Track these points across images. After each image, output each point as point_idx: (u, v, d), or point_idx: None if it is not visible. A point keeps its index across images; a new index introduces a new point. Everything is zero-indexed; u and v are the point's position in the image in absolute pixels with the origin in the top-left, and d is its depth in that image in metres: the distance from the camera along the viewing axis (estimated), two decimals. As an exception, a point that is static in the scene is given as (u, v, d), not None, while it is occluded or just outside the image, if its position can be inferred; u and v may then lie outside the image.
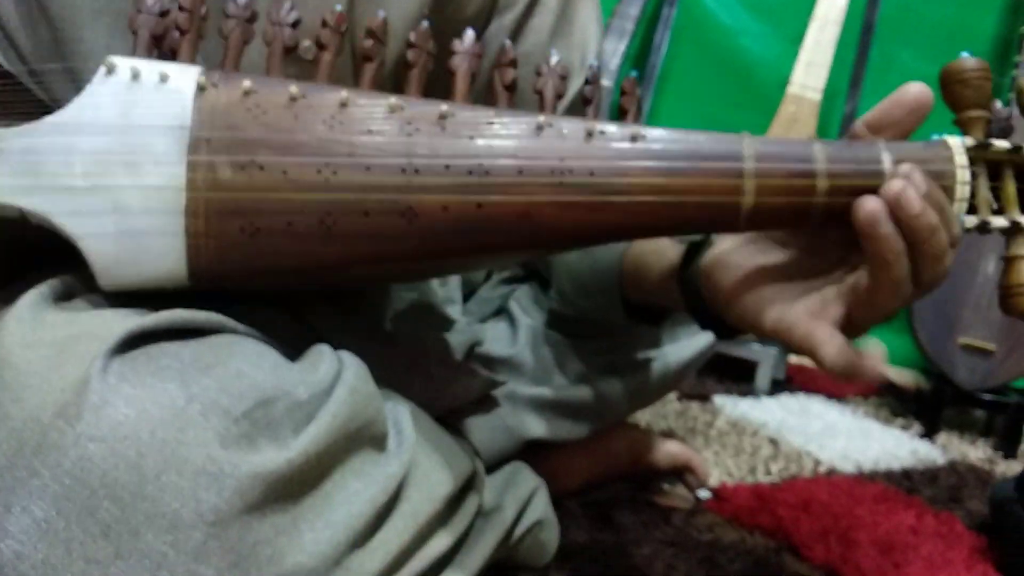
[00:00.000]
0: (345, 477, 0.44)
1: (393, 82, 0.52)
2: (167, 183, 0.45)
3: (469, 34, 0.50)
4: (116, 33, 0.55)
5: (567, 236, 0.49)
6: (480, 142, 0.47)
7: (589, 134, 0.47)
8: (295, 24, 0.49)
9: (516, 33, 0.71)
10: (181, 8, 0.48)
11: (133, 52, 0.47)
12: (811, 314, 0.48)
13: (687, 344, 0.87)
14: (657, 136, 0.48)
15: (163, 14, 0.48)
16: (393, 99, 0.47)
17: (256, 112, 0.46)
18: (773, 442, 1.19)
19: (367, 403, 0.47)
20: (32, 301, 0.44)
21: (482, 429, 0.73)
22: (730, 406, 1.35)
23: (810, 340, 0.47)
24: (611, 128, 0.48)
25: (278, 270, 0.48)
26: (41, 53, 0.58)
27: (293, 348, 0.51)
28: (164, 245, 0.46)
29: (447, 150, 0.47)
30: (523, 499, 0.69)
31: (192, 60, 0.48)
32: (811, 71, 1.64)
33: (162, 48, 0.48)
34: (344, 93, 0.47)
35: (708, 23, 1.86)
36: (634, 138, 0.47)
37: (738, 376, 1.51)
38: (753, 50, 1.85)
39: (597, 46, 0.76)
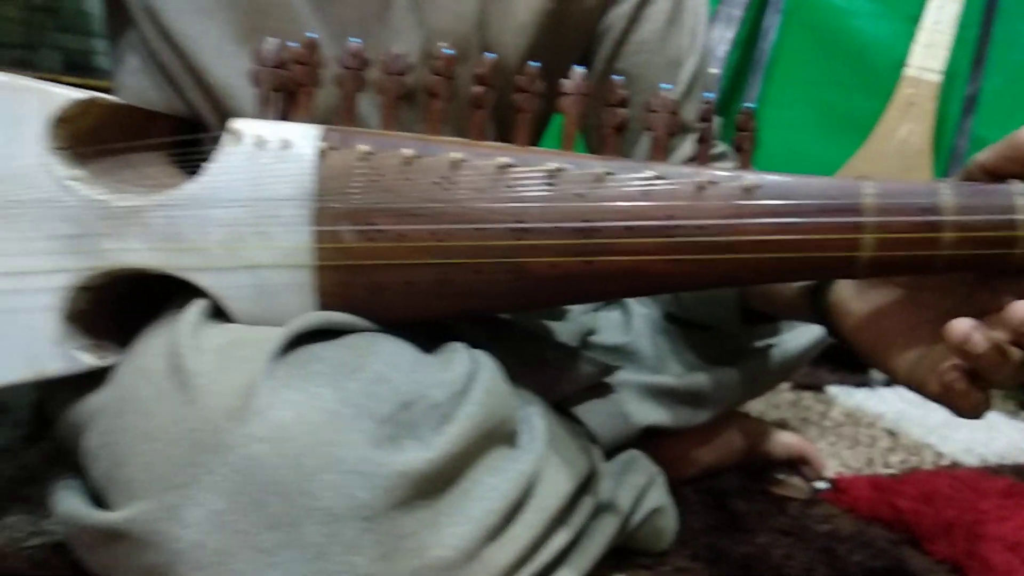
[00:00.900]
0: (481, 474, 0.44)
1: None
2: (296, 246, 0.45)
3: (577, 72, 0.46)
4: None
5: (676, 286, 0.45)
6: (589, 200, 0.43)
7: (700, 188, 0.43)
8: (405, 71, 0.46)
9: (633, 21, 0.68)
10: (298, 62, 0.46)
11: (257, 107, 0.46)
12: (941, 372, 0.43)
13: (804, 331, 0.80)
14: (771, 188, 0.43)
15: (281, 66, 0.46)
16: (502, 158, 0.44)
17: (373, 175, 0.44)
18: (891, 434, 1.10)
19: (502, 402, 0.46)
20: (195, 314, 0.45)
21: (599, 415, 0.70)
22: (844, 396, 1.26)
23: (945, 399, 0.42)
24: (723, 181, 0.43)
25: (401, 320, 0.47)
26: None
27: (417, 336, 0.50)
28: (296, 300, 0.46)
29: (556, 211, 0.43)
30: (640, 487, 0.66)
31: (309, 112, 0.47)
32: (930, 52, 1.49)
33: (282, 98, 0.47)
34: (456, 153, 0.44)
35: (818, 4, 1.71)
36: (747, 191, 0.42)
37: (853, 365, 1.41)
38: (866, 31, 1.69)
39: (705, 27, 0.72)
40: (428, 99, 0.46)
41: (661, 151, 0.45)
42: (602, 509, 0.57)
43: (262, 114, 0.46)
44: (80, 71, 2.16)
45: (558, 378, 0.64)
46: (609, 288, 0.45)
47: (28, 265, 0.45)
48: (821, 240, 0.42)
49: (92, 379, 0.47)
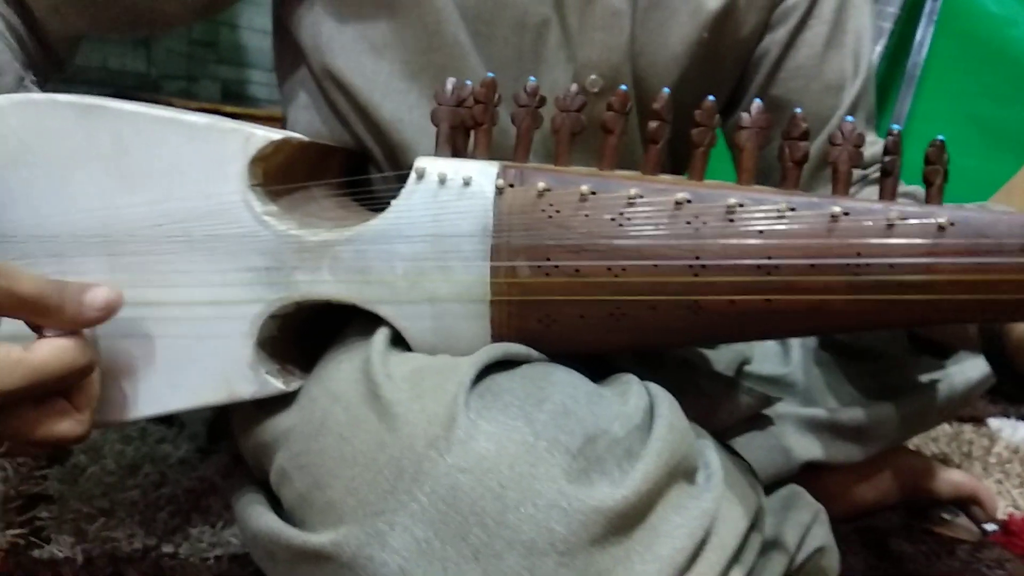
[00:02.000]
0: (667, 511, 0.43)
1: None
2: (474, 279, 0.45)
3: (756, 104, 0.45)
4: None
5: (860, 326, 0.43)
6: (770, 237, 0.42)
7: (890, 224, 0.41)
8: (581, 108, 0.46)
9: (789, 46, 0.67)
10: (476, 100, 0.47)
11: (435, 144, 0.48)
12: None
13: (972, 365, 0.75)
14: (966, 225, 0.40)
15: (459, 104, 0.47)
16: (680, 193, 0.43)
17: (550, 211, 0.45)
18: (1062, 472, 1.02)
19: (683, 438, 0.45)
20: (381, 342, 0.47)
21: (758, 449, 0.67)
22: (1009, 430, 1.17)
23: None
24: (914, 217, 0.41)
25: (571, 352, 0.48)
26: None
27: (577, 364, 0.49)
28: (472, 332, 0.47)
29: (735, 248, 0.42)
30: (804, 525, 0.63)
31: (487, 149, 0.48)
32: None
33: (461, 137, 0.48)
34: (633, 189, 0.44)
35: (974, 14, 1.61)
36: (940, 228, 0.40)
37: (1015, 396, 1.30)
38: (1026, 39, 1.59)
39: (871, 51, 0.69)
40: (602, 135, 0.46)
41: (844, 186, 0.44)
42: (769, 547, 0.55)
43: (440, 151, 0.47)
44: (237, 100, 2.31)
45: (715, 409, 0.63)
46: (789, 327, 0.44)
47: (227, 295, 0.47)
48: (1022, 281, 0.39)
49: (275, 400, 0.50)
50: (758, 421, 0.67)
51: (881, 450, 0.75)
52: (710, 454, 0.46)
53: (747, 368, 0.72)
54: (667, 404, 0.45)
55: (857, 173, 0.69)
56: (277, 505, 0.52)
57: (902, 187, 0.66)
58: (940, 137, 0.43)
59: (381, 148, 0.62)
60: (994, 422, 1.20)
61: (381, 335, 0.47)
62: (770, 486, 0.67)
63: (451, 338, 0.47)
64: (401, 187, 0.47)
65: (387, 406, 0.42)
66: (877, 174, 0.66)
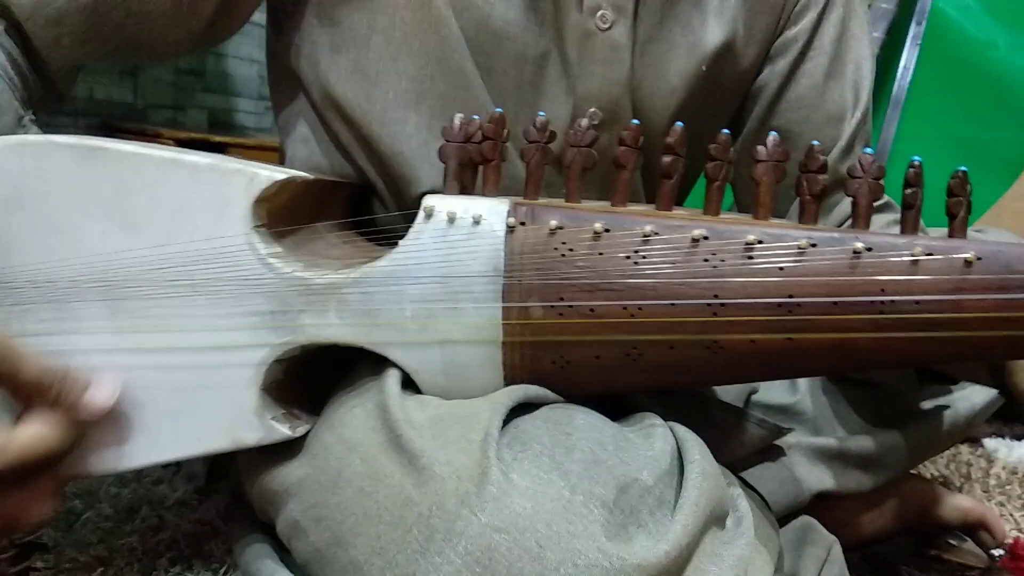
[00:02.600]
0: (703, 561, 0.41)
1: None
2: (486, 321, 0.44)
3: (773, 138, 0.44)
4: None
5: (884, 364, 0.42)
6: (789, 274, 0.41)
7: (914, 261, 0.40)
8: (593, 143, 0.45)
9: (789, 78, 0.66)
10: (485, 136, 0.46)
11: (443, 181, 0.46)
12: None
13: (978, 390, 0.74)
14: (994, 259, 0.39)
15: (467, 140, 0.46)
16: (696, 230, 0.42)
17: (563, 250, 0.43)
18: (1063, 492, 1.01)
19: (717, 484, 0.43)
20: (394, 385, 0.45)
21: (771, 481, 0.66)
22: (1004, 450, 1.16)
23: None
24: (940, 252, 0.40)
25: (587, 393, 0.46)
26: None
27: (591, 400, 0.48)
28: (484, 375, 0.45)
29: (755, 286, 0.41)
30: (820, 559, 0.61)
31: (497, 185, 0.46)
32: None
33: (470, 174, 0.47)
34: (648, 227, 0.42)
35: (956, 38, 1.63)
36: (968, 263, 0.39)
37: (1008, 416, 1.30)
38: (1007, 63, 1.60)
39: (870, 82, 0.68)
40: (615, 170, 0.45)
41: (865, 220, 0.43)
42: None
43: (448, 189, 0.46)
44: (223, 128, 2.29)
45: (726, 441, 0.61)
46: (812, 365, 0.43)
47: (231, 340, 0.46)
48: (1053, 316, 0.38)
49: (282, 445, 0.48)
50: (769, 452, 0.65)
51: (890, 478, 0.74)
52: (738, 496, 0.44)
53: (754, 397, 0.70)
54: (697, 448, 0.43)
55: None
56: (282, 551, 0.50)
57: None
58: (963, 168, 0.42)
59: (383, 180, 0.60)
60: (990, 442, 1.20)
61: (392, 378, 0.45)
62: (782, 517, 0.65)
63: (462, 380, 0.45)
64: (408, 224, 0.45)
65: (412, 457, 0.40)
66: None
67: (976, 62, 1.61)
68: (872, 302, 0.40)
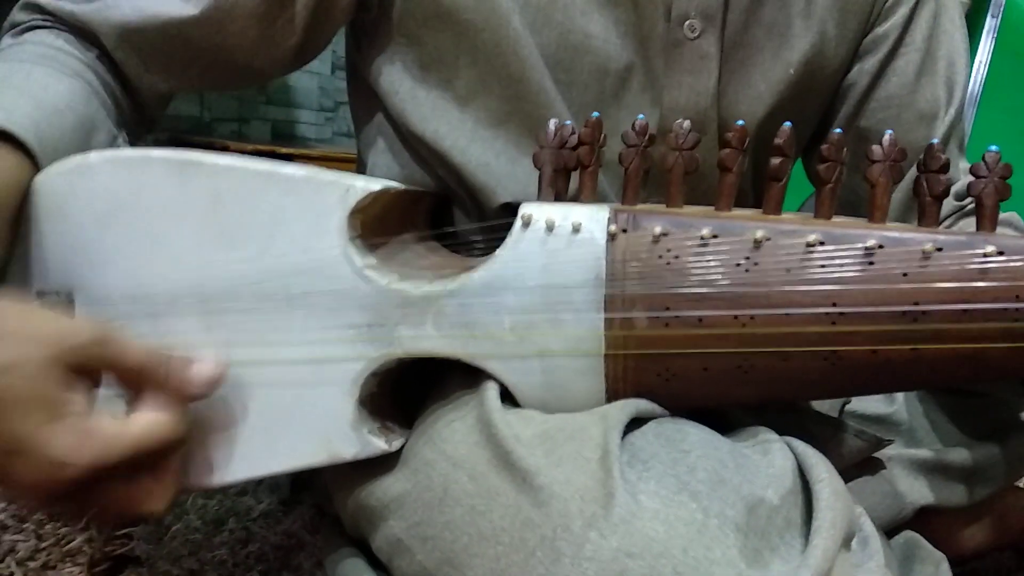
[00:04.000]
0: None
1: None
2: (587, 333, 0.42)
3: (888, 137, 0.41)
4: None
5: (1017, 373, 0.39)
6: (913, 280, 0.38)
7: (1054, 263, 0.37)
8: (695, 146, 0.43)
9: (879, 76, 0.63)
10: (581, 142, 0.44)
11: (539, 188, 0.45)
12: None
13: None
14: None
15: (562, 146, 0.45)
16: (812, 235, 0.40)
17: (667, 257, 0.41)
18: None
19: (846, 504, 0.41)
20: (495, 398, 0.44)
21: (872, 495, 0.63)
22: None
23: None
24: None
25: (693, 407, 0.44)
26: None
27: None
28: (585, 388, 0.43)
29: (876, 294, 0.39)
30: None
31: (594, 192, 0.45)
32: None
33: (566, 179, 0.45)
34: (759, 231, 0.40)
35: (1032, 29, 1.56)
36: (1113, 265, 0.36)
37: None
38: (1090, 54, 1.53)
39: (965, 78, 0.64)
40: (720, 174, 0.43)
41: (992, 221, 0.40)
42: None
43: (544, 196, 0.45)
44: (286, 140, 2.32)
45: (825, 454, 0.58)
46: (939, 377, 0.40)
47: (328, 353, 0.45)
48: None
49: (377, 460, 0.47)
50: (868, 465, 0.62)
51: (990, 491, 0.70)
52: (862, 515, 0.42)
53: (850, 408, 0.67)
54: (824, 466, 0.41)
55: (952, 204, 0.65)
56: (376, 567, 0.49)
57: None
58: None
59: (463, 190, 0.59)
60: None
61: (492, 391, 0.44)
62: (885, 533, 0.62)
63: (563, 394, 0.43)
64: (496, 234, 0.44)
65: (526, 475, 0.39)
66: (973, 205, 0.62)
67: (1055, 54, 1.54)
68: (1005, 309, 0.37)
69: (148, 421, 0.38)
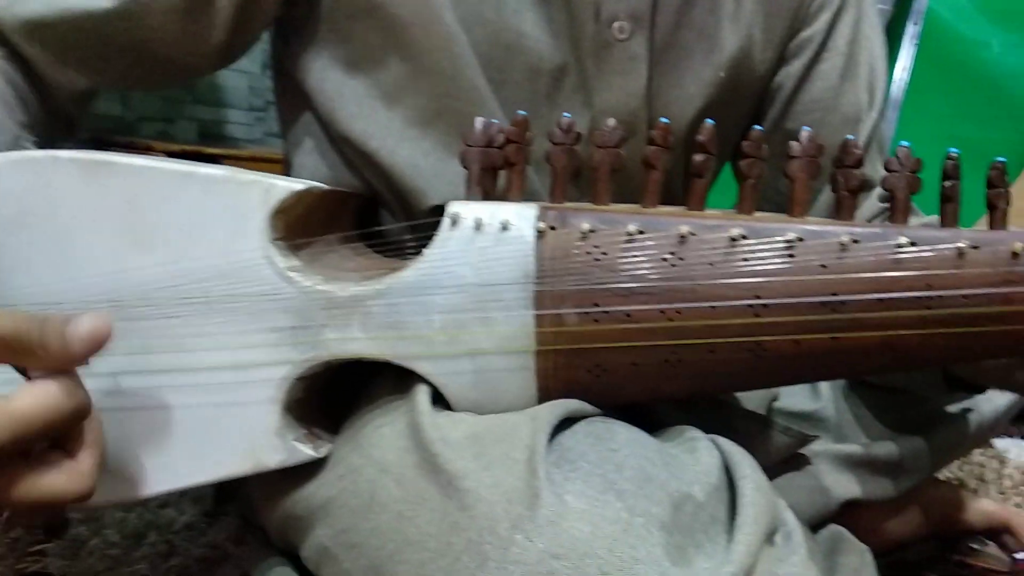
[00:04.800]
0: None
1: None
2: (518, 330, 0.42)
3: (805, 134, 0.42)
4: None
5: (931, 361, 0.41)
6: (832, 271, 0.40)
7: (960, 253, 0.38)
8: (620, 144, 0.44)
9: (804, 79, 0.65)
10: (508, 140, 0.44)
11: (466, 187, 0.45)
12: None
13: (998, 393, 0.73)
14: (1045, 249, 0.38)
15: (489, 144, 0.45)
16: (734, 229, 0.41)
17: (596, 254, 0.42)
18: (1080, 491, 1.00)
19: (769, 499, 0.42)
20: (425, 402, 0.43)
21: (799, 490, 0.64)
22: (1015, 450, 1.14)
23: None
24: (986, 244, 0.39)
25: (623, 402, 0.45)
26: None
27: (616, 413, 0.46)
28: (517, 386, 0.43)
29: (797, 285, 0.40)
30: (854, 570, 0.60)
31: (522, 191, 0.45)
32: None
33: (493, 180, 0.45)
34: (684, 227, 0.41)
35: (949, 38, 1.63)
36: (1015, 255, 0.38)
37: (1016, 415, 1.28)
38: (1000, 62, 1.61)
39: (884, 82, 0.67)
40: (645, 171, 0.44)
41: (903, 215, 0.41)
42: None
43: (471, 195, 0.45)
44: (214, 140, 2.27)
45: (752, 450, 0.60)
46: (857, 365, 0.41)
47: (250, 358, 0.44)
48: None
49: (303, 467, 0.46)
50: (795, 461, 0.64)
51: (914, 484, 0.72)
52: (784, 510, 0.43)
53: (777, 404, 0.69)
54: (747, 462, 0.42)
55: (877, 206, 0.67)
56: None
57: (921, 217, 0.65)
58: (1002, 159, 0.41)
59: (392, 193, 0.59)
60: (1000, 443, 1.18)
61: (423, 394, 0.43)
62: (809, 527, 0.64)
63: (495, 393, 0.43)
64: (425, 235, 0.44)
65: (452, 479, 0.38)
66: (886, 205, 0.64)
67: (971, 62, 1.62)
68: (919, 298, 0.39)
69: (34, 393, 0.34)
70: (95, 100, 0.58)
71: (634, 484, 0.38)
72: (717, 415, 0.60)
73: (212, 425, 0.44)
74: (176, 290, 0.44)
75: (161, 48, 0.53)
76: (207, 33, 0.54)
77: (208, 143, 2.13)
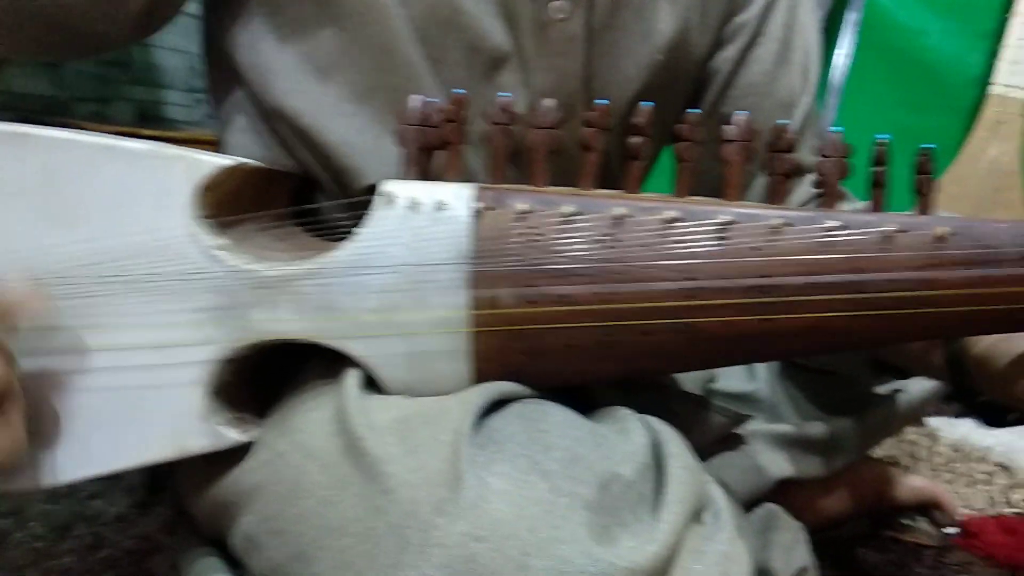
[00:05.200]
0: (687, 560, 0.39)
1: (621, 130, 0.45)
2: (452, 313, 0.42)
3: (740, 117, 0.43)
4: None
5: (860, 343, 0.42)
6: (764, 254, 0.40)
7: (887, 237, 0.39)
8: (557, 124, 0.43)
9: (740, 64, 0.65)
10: (446, 119, 0.44)
11: (403, 166, 0.44)
12: None
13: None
14: (966, 234, 0.39)
15: (426, 123, 0.44)
16: (668, 211, 0.41)
17: (531, 235, 0.41)
18: (1005, 468, 1.04)
19: (696, 477, 0.42)
20: (354, 386, 0.42)
21: (733, 469, 0.65)
22: (947, 428, 1.19)
23: None
24: (912, 229, 0.39)
25: (559, 384, 0.44)
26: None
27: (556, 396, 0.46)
28: (451, 368, 0.43)
29: (729, 267, 0.40)
30: (787, 546, 0.62)
31: (459, 171, 0.44)
32: (1016, 69, 1.43)
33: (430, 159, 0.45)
34: (620, 209, 0.41)
35: (890, 25, 1.66)
36: (940, 239, 0.39)
37: (947, 394, 1.32)
38: (940, 49, 1.64)
39: (818, 68, 0.68)
40: (582, 153, 0.43)
41: (834, 199, 0.42)
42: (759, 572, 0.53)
43: (408, 174, 0.44)
44: (152, 122, 2.20)
45: (688, 431, 0.60)
46: (787, 347, 0.42)
47: (174, 339, 0.43)
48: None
49: (230, 453, 0.45)
50: (730, 440, 0.65)
51: (846, 462, 0.74)
52: (714, 489, 0.43)
53: (713, 386, 0.70)
54: (675, 442, 0.42)
55: (812, 192, 0.68)
56: (234, 566, 0.47)
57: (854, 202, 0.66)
58: (930, 146, 0.42)
59: (328, 173, 0.58)
60: (932, 421, 1.22)
61: (353, 377, 0.42)
62: (744, 505, 0.65)
63: (429, 376, 0.43)
64: (359, 214, 0.43)
65: (375, 464, 0.38)
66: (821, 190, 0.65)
67: (910, 50, 1.65)
68: (847, 281, 0.39)
69: None
70: (22, 78, 0.55)
71: (561, 465, 0.38)
72: (655, 396, 0.61)
73: (134, 408, 0.43)
74: (97, 268, 0.42)
75: (75, 14, 0.51)
76: (125, 3, 0.52)
77: (146, 124, 2.06)
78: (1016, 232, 0.38)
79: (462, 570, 0.35)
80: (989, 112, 1.45)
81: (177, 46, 2.18)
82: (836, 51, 1.59)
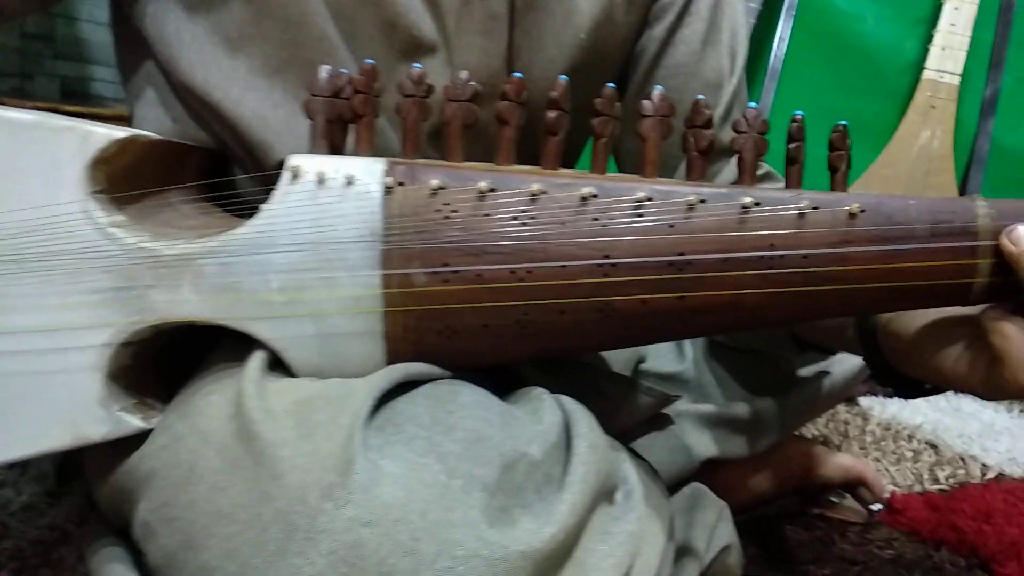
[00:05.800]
0: (592, 541, 0.39)
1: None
2: (363, 292, 0.41)
3: (657, 92, 0.42)
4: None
5: (776, 321, 0.42)
6: (679, 231, 0.40)
7: (801, 214, 0.39)
8: (473, 98, 0.42)
9: (666, 44, 0.64)
10: (356, 90, 0.42)
11: (310, 139, 0.43)
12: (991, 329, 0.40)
13: (852, 356, 0.77)
14: (877, 211, 0.39)
15: (336, 95, 0.42)
16: (585, 188, 0.40)
17: (445, 211, 0.40)
18: (932, 446, 1.07)
19: (605, 457, 0.41)
20: (256, 369, 0.41)
21: (661, 449, 0.66)
22: (878, 407, 1.22)
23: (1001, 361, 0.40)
24: (825, 205, 0.39)
25: (475, 365, 0.44)
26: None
27: (477, 378, 0.46)
28: (364, 350, 0.42)
29: (645, 245, 0.40)
30: (711, 525, 0.62)
31: (370, 144, 0.43)
32: (948, 55, 1.46)
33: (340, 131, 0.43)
34: (536, 185, 0.40)
35: (826, 9, 1.69)
36: (852, 215, 0.39)
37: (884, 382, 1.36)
38: (875, 35, 1.67)
39: (745, 48, 0.68)
40: (498, 127, 0.42)
41: (750, 176, 0.42)
42: (681, 553, 0.53)
43: (316, 148, 0.42)
44: (77, 98, 2.12)
45: (616, 411, 0.60)
46: (704, 324, 0.42)
47: (68, 321, 0.41)
48: (934, 267, 0.39)
49: (134, 438, 0.43)
50: (658, 421, 0.65)
51: (772, 442, 0.75)
52: (627, 469, 0.43)
53: (643, 366, 0.70)
54: (585, 421, 0.41)
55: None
56: (138, 555, 0.45)
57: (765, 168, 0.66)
58: (843, 122, 0.42)
59: (241, 148, 0.56)
60: (864, 400, 1.26)
61: (256, 359, 0.41)
62: (673, 485, 0.65)
63: (340, 358, 0.42)
64: (270, 188, 0.41)
65: (268, 448, 0.36)
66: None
67: (846, 35, 1.68)
68: (761, 257, 0.39)
69: None
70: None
71: (462, 446, 0.37)
72: (583, 377, 0.60)
73: (27, 395, 0.41)
74: (-18, 247, 0.40)
75: None
76: None
77: (70, 101, 1.99)
78: (925, 208, 0.39)
79: (349, 556, 0.34)
80: (921, 97, 1.48)
81: (103, 20, 2.10)
82: (774, 36, 1.61)
